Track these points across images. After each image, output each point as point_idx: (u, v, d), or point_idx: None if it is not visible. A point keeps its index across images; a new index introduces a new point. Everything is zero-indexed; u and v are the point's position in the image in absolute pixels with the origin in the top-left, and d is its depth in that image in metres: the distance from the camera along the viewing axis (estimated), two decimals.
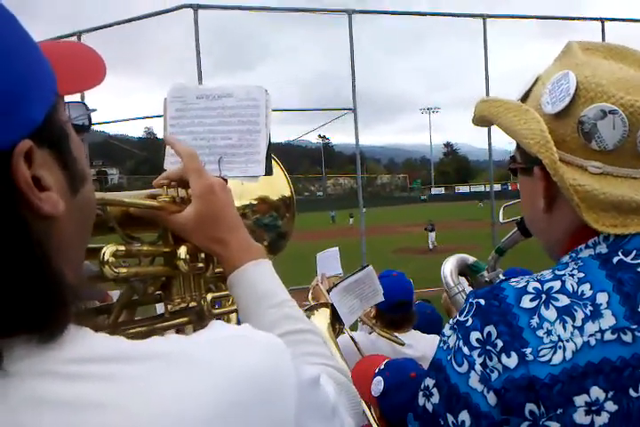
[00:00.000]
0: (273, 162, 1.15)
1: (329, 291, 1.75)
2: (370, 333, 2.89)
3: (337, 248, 3.09)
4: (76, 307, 0.56)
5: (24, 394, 0.50)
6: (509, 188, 76.38)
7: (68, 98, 0.67)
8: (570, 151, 0.91)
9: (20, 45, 0.56)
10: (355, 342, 2.23)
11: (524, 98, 1.01)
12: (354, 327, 3.13)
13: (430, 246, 25.15)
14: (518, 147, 1.01)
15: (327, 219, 46.13)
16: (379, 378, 2.09)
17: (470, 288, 1.72)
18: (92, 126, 0.76)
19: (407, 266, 12.32)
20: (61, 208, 0.57)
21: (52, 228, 0.57)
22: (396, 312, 2.91)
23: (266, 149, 1.11)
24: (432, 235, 25.70)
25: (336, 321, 1.68)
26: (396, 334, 2.80)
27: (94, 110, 0.75)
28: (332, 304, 1.68)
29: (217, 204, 0.95)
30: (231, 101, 1.12)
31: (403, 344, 2.73)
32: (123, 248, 0.89)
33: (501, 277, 1.64)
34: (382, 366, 2.16)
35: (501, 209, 1.81)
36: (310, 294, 1.87)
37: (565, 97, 0.91)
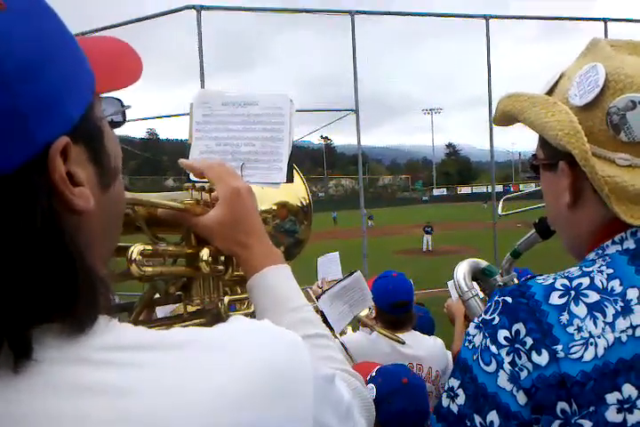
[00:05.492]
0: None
1: (318, 298, 1.75)
2: (370, 333, 2.90)
3: (337, 253, 3.09)
4: (105, 298, 0.58)
5: (54, 379, 0.52)
6: (511, 188, 76.34)
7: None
8: (597, 144, 0.90)
9: (61, 43, 0.58)
10: (345, 349, 2.23)
11: (549, 94, 0.99)
12: (354, 328, 3.13)
13: (424, 249, 25.05)
14: (542, 143, 0.99)
15: (329, 220, 46.15)
16: (371, 385, 2.08)
17: (482, 293, 1.71)
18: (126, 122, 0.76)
19: (409, 267, 12.31)
20: (92, 203, 0.58)
21: (83, 222, 0.58)
22: (396, 312, 2.91)
23: (288, 157, 1.13)
24: (428, 237, 25.58)
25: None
26: (396, 334, 2.80)
27: (129, 107, 0.75)
28: (321, 311, 1.68)
29: (242, 207, 0.97)
30: (256, 109, 1.15)
31: (403, 343, 2.73)
32: (150, 248, 0.91)
33: (515, 280, 1.62)
34: (374, 373, 2.16)
35: (501, 201, 1.79)
36: None
37: (594, 88, 0.89)
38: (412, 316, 3.04)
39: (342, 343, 2.23)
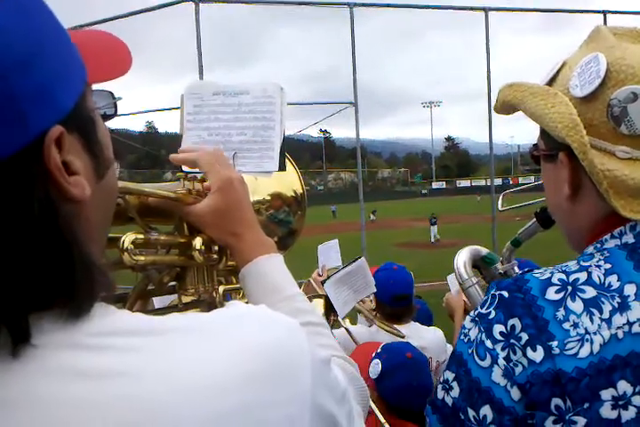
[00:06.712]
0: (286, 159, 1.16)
1: (323, 283, 1.76)
2: (370, 325, 2.90)
3: (336, 240, 3.11)
4: (104, 286, 0.59)
5: (50, 364, 0.52)
6: (510, 182, 76.33)
7: (95, 85, 0.69)
8: (598, 136, 0.88)
9: (55, 34, 0.58)
10: (349, 333, 2.27)
11: (550, 83, 0.98)
12: (353, 321, 3.14)
13: (432, 240, 25.21)
14: (542, 133, 0.98)
15: (328, 213, 46.17)
16: (376, 361, 2.16)
17: (483, 281, 1.70)
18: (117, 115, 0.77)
19: (409, 260, 12.32)
20: (88, 192, 0.59)
21: (79, 211, 0.59)
22: (396, 305, 2.92)
23: (280, 146, 1.13)
24: (434, 228, 25.78)
25: (330, 312, 1.71)
26: (396, 326, 2.80)
27: (120, 99, 0.75)
28: (326, 296, 1.70)
29: (234, 197, 0.97)
30: (247, 98, 1.14)
31: (403, 337, 2.74)
32: (142, 237, 0.91)
33: (516, 269, 1.62)
34: (379, 350, 2.24)
35: (501, 196, 1.78)
36: (302, 288, 1.88)
37: (595, 79, 0.88)
38: (413, 308, 3.05)
39: (346, 329, 2.26)
